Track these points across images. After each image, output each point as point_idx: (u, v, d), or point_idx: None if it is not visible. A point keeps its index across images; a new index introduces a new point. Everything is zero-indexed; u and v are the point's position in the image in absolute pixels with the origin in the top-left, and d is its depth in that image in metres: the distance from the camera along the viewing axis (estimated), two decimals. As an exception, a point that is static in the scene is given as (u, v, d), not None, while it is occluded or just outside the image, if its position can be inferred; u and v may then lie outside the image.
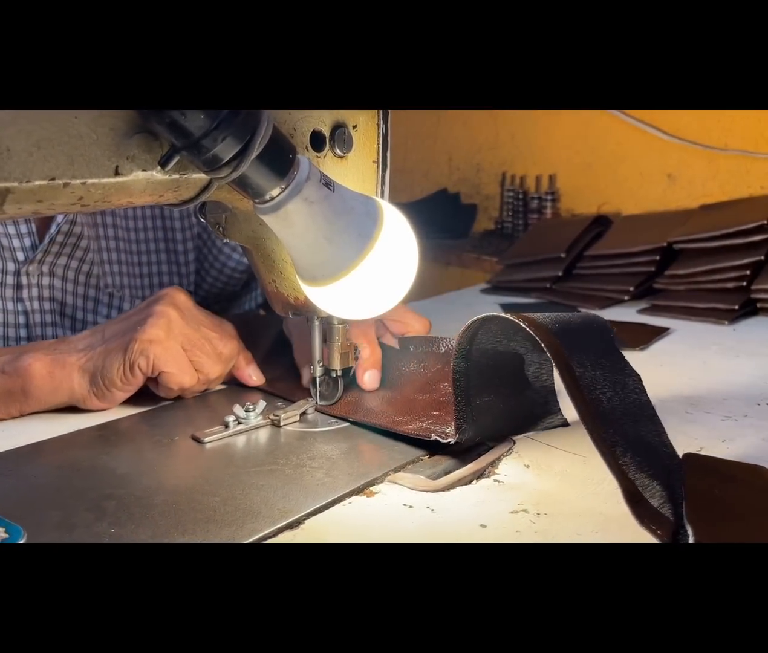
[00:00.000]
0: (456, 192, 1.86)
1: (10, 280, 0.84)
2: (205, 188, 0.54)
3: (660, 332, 0.98)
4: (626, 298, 1.17)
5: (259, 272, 0.68)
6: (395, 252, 0.55)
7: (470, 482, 0.58)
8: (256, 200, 0.51)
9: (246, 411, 0.68)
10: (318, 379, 0.71)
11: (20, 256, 0.84)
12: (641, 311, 1.11)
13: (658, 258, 1.19)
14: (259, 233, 0.64)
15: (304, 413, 0.70)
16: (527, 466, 0.59)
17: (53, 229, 0.85)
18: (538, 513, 0.52)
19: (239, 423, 0.67)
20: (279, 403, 0.72)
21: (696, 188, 1.46)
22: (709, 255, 1.14)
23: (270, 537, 0.50)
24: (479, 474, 0.59)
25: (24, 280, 0.85)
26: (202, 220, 0.67)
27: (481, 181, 1.83)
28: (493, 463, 0.60)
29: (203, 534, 0.50)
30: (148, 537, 0.49)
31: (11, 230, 0.84)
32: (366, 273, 0.54)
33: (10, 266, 0.84)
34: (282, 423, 0.68)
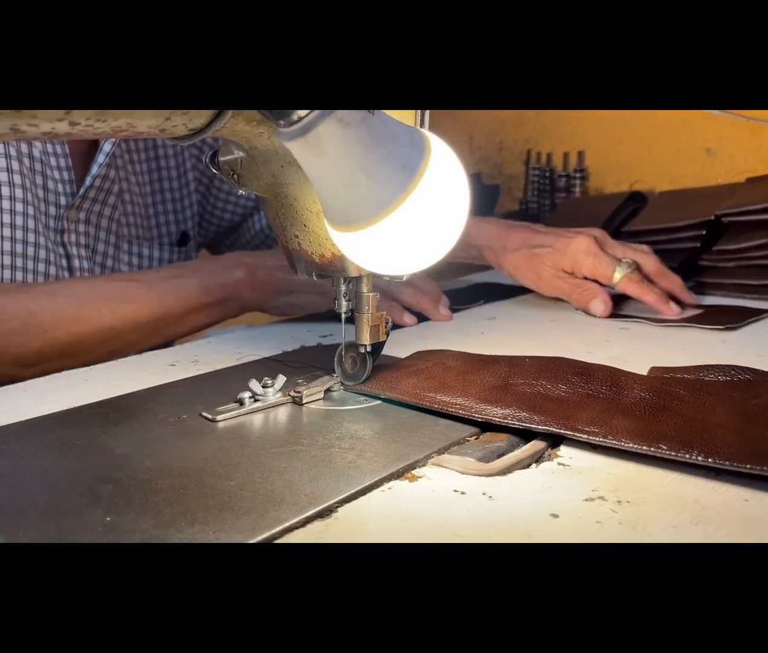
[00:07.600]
0: (477, 172, 1.77)
1: (52, 224, 0.90)
2: (220, 113, 0.45)
3: (754, 314, 0.89)
4: (670, 275, 1.07)
5: (278, 228, 0.59)
6: (444, 190, 0.47)
7: (529, 465, 0.49)
8: (281, 122, 0.43)
9: (264, 386, 0.60)
10: (342, 355, 0.63)
11: (62, 200, 0.90)
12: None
13: (704, 232, 1.10)
14: (280, 178, 0.55)
15: (328, 390, 0.62)
16: (594, 448, 0.50)
17: (94, 169, 0.91)
18: (619, 501, 0.43)
19: (256, 400, 0.59)
20: (299, 380, 0.63)
21: (737, 163, 1.37)
22: (761, 228, 1.05)
23: (297, 527, 0.41)
24: (538, 457, 0.50)
25: (65, 224, 0.91)
26: (215, 170, 0.58)
27: (504, 160, 1.74)
28: (554, 444, 0.52)
29: (217, 524, 0.41)
30: (150, 527, 0.41)
31: (56, 175, 0.89)
32: (410, 214, 0.45)
33: (52, 211, 0.89)
34: (304, 401, 0.60)
